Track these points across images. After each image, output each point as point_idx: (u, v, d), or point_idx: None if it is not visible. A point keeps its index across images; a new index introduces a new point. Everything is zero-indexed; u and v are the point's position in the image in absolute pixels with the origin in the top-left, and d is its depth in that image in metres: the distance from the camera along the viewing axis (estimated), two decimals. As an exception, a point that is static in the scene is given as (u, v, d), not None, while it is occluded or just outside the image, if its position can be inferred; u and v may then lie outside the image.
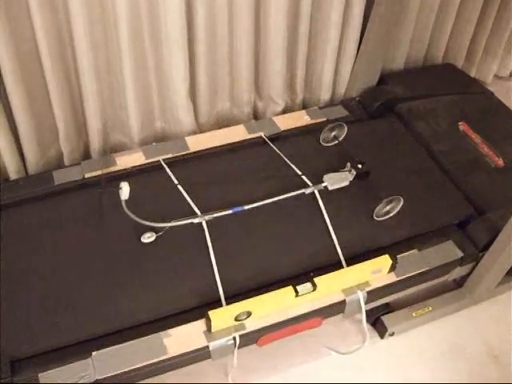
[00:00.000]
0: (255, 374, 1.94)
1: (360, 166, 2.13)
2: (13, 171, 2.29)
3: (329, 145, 2.34)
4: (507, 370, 2.01)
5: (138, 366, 1.63)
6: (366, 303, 1.86)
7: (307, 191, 2.07)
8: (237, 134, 2.38)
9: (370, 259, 1.85)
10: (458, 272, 2.03)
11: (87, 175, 2.16)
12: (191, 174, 2.15)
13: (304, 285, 1.76)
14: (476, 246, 2.00)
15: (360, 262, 1.84)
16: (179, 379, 1.78)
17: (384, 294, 1.92)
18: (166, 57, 2.27)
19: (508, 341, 2.08)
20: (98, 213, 2.02)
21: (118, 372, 1.62)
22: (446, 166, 2.28)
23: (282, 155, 2.23)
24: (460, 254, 1.97)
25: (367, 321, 1.95)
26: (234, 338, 1.72)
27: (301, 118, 2.49)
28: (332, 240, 1.96)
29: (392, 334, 2.04)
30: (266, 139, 2.33)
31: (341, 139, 2.31)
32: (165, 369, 1.69)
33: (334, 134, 2.33)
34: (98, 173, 2.15)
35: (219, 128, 2.52)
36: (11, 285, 1.80)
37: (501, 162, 2.29)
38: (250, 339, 1.76)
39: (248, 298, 1.72)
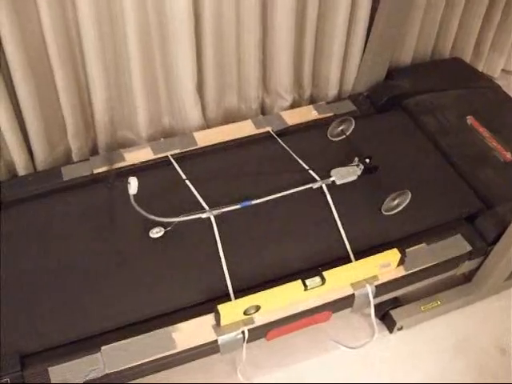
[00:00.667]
0: (264, 369, 1.94)
1: (368, 160, 2.13)
2: (21, 168, 2.30)
3: (336, 139, 2.33)
4: (516, 364, 2.01)
5: (147, 361, 1.64)
6: (374, 297, 1.86)
7: (315, 186, 2.07)
8: (244, 129, 2.38)
9: (378, 253, 1.84)
10: (466, 266, 2.03)
11: (96, 171, 2.16)
12: (199, 169, 2.15)
13: (313, 279, 1.76)
14: (485, 240, 1.99)
15: (368, 256, 1.83)
16: (188, 373, 1.80)
17: (392, 288, 1.92)
18: (174, 52, 2.27)
19: (517, 335, 2.08)
20: (106, 208, 2.02)
21: (128, 366, 1.62)
22: (454, 160, 2.27)
23: (289, 150, 2.23)
24: (468, 247, 1.96)
25: (376, 315, 1.95)
26: (243, 332, 1.72)
27: (308, 113, 2.49)
28: (340, 234, 1.96)
29: (400, 328, 2.04)
30: (274, 134, 2.33)
31: (348, 134, 2.31)
32: (174, 363, 1.70)
33: (341, 128, 2.32)
34: (107, 168, 2.16)
35: (227, 124, 2.51)
36: (21, 280, 1.81)
37: (509, 156, 2.28)
38: (258, 333, 1.77)
39: (257, 292, 1.72)
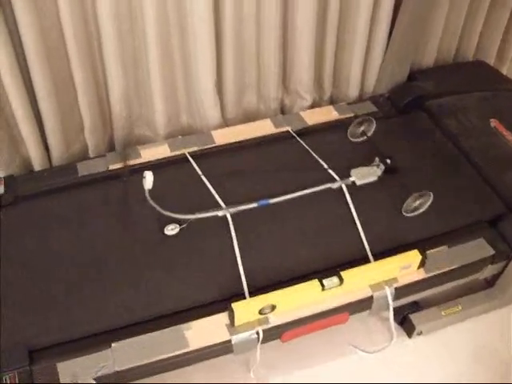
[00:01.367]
0: (278, 371, 1.90)
1: (389, 160, 2.08)
2: (37, 164, 2.30)
3: (357, 140, 2.29)
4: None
5: (158, 359, 1.60)
6: (393, 300, 1.81)
7: (334, 186, 2.03)
8: (263, 128, 2.35)
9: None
10: (489, 270, 1.97)
11: (111, 167, 2.14)
12: (216, 168, 2.13)
13: (330, 278, 1.71)
14: (508, 244, 1.93)
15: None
16: (200, 373, 1.76)
17: (413, 291, 1.87)
18: (193, 51, 2.25)
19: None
20: (121, 204, 2.01)
21: (138, 364, 1.59)
22: (477, 162, 2.21)
23: (309, 149, 2.20)
24: (491, 251, 1.90)
25: (394, 319, 1.89)
26: (258, 333, 1.68)
27: (328, 114, 2.45)
28: (359, 235, 1.91)
29: (420, 333, 1.98)
30: (293, 133, 2.29)
31: (369, 134, 2.26)
32: (185, 362, 1.67)
33: (362, 129, 2.28)
34: (122, 165, 2.14)
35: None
36: (32, 274, 1.79)
37: (533, 159, 2.21)
38: (273, 334, 1.72)
39: (272, 291, 1.68)
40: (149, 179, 1.71)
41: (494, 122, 2.39)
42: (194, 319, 1.68)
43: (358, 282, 1.76)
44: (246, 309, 1.65)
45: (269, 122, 2.38)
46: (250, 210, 1.93)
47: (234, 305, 1.63)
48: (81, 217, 1.97)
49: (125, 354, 1.59)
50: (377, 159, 2.10)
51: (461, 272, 1.89)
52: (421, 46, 2.70)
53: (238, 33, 2.29)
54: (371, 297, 1.78)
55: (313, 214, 1.99)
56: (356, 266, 1.78)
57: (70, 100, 2.24)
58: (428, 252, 1.84)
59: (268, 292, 1.68)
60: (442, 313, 1.98)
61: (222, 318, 1.68)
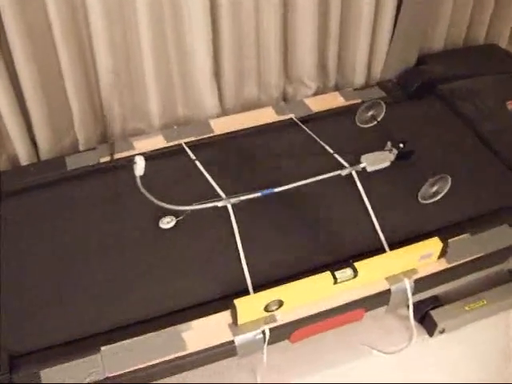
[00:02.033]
0: (287, 375, 1.71)
1: (402, 145, 1.92)
2: (24, 160, 2.16)
3: (366, 126, 2.13)
4: None
5: (152, 363, 1.45)
6: (413, 294, 1.64)
7: (343, 173, 1.87)
8: (265, 116, 2.21)
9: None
10: (514, 260, 1.80)
11: (103, 160, 1.99)
12: (215, 158, 1.99)
13: (343, 270, 1.55)
14: (535, 231, 1.77)
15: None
16: (200, 380, 1.58)
17: (434, 283, 1.70)
18: (188, 35, 2.11)
19: None
20: (113, 198, 1.86)
21: (131, 369, 1.43)
22: (496, 146, 2.08)
23: (314, 136, 2.04)
24: (517, 238, 1.74)
25: (414, 316, 1.72)
26: (264, 332, 1.52)
27: (334, 100, 2.31)
28: (373, 224, 1.77)
29: (442, 331, 1.80)
30: (297, 121, 2.13)
31: (379, 119, 2.10)
32: (183, 367, 1.50)
33: (371, 113, 2.13)
34: (115, 157, 2.01)
35: (245, 113, 2.34)
36: (15, 273, 1.65)
37: (554, 141, 2.06)
38: (281, 334, 1.56)
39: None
40: (140, 165, 1.55)
41: (511, 105, 2.24)
42: (192, 319, 1.52)
43: (373, 273, 1.60)
44: (250, 305, 1.49)
45: (270, 109, 2.24)
46: (253, 200, 1.76)
47: (236, 301, 1.47)
48: (69, 212, 1.84)
49: (116, 358, 1.44)
50: (389, 144, 1.95)
51: (486, 261, 1.74)
52: (429, 29, 2.57)
53: (235, 15, 2.15)
54: (388, 290, 1.62)
55: (321, 203, 1.85)
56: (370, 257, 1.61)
57: (59, 91, 2.10)
58: (449, 240, 1.67)
59: (274, 287, 1.51)
60: (466, 308, 1.81)
61: (224, 316, 1.53)
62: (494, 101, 2.29)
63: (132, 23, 2.01)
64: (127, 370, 1.42)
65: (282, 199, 1.81)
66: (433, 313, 1.79)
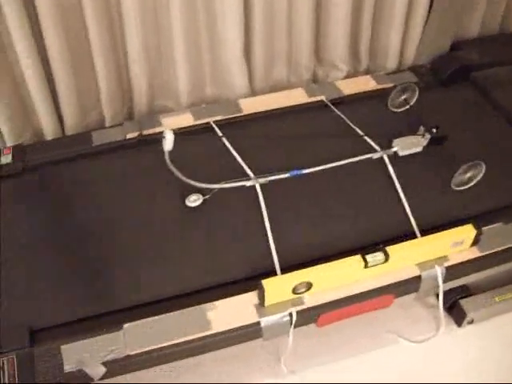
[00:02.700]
0: (312, 360, 1.69)
1: (435, 130, 1.87)
2: (50, 136, 2.15)
3: (398, 110, 2.08)
4: None
5: (175, 342, 1.42)
6: (444, 281, 1.59)
7: (375, 156, 1.84)
8: (295, 97, 2.16)
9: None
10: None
11: (129, 136, 1.95)
12: (244, 137, 1.94)
13: (375, 254, 1.51)
14: None
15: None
16: (223, 361, 1.56)
17: (465, 271, 1.66)
18: (219, 13, 2.07)
19: None
20: (139, 175, 1.84)
21: (152, 348, 1.40)
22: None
23: (345, 119, 2.00)
24: (552, 229, 1.69)
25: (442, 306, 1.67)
26: (291, 314, 1.48)
27: (366, 83, 2.26)
28: (404, 210, 1.72)
29: (471, 322, 1.76)
30: (328, 103, 2.08)
31: (412, 103, 2.05)
32: (207, 347, 1.47)
33: (404, 97, 2.09)
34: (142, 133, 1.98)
35: (275, 94, 2.29)
36: (37, 249, 1.63)
37: None
38: (308, 317, 1.53)
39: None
40: (169, 139, 1.53)
41: (544, 93, 2.18)
42: (218, 298, 1.49)
43: (404, 259, 1.56)
44: (279, 286, 1.46)
45: (301, 90, 2.20)
46: (282, 180, 1.73)
47: (264, 281, 1.44)
48: (94, 188, 1.81)
49: (138, 336, 1.42)
50: (422, 128, 1.90)
51: (517, 252, 1.67)
52: (464, 15, 2.50)
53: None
54: (419, 277, 1.58)
55: (351, 186, 1.81)
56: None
57: (87, 66, 2.07)
58: (483, 228, 1.62)
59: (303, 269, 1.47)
60: (496, 299, 1.76)
61: (251, 297, 1.50)
62: (530, 89, 2.22)
63: (163, 1, 1.96)
64: (149, 349, 1.39)
65: (311, 181, 1.78)
66: (462, 302, 1.75)
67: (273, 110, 2.08)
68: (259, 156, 1.85)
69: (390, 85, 2.23)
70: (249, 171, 1.76)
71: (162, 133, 1.67)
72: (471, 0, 2.46)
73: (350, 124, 1.98)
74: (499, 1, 2.57)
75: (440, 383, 1.66)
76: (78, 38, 1.97)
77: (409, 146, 1.87)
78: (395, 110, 2.09)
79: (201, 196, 1.72)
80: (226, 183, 1.69)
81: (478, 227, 1.59)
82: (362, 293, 1.54)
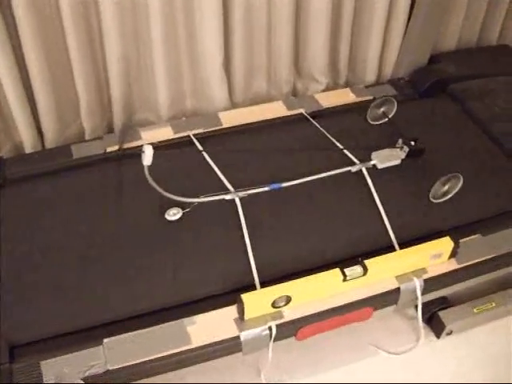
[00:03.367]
0: (292, 373, 1.70)
1: (413, 142, 1.89)
2: (30, 149, 2.13)
3: (377, 123, 2.10)
4: None
5: (155, 357, 1.42)
6: (422, 293, 1.61)
7: (354, 169, 1.85)
8: (275, 110, 2.18)
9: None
10: (526, 263, 1.77)
11: (109, 149, 1.95)
12: (224, 150, 1.94)
13: (353, 268, 1.52)
14: (548, 233, 1.74)
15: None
16: (203, 375, 1.56)
17: (443, 283, 1.67)
18: (199, 26, 2.07)
19: None
20: (118, 188, 1.82)
21: (133, 362, 1.40)
22: (507, 147, 2.03)
23: (324, 132, 2.01)
24: (529, 241, 1.71)
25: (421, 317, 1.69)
26: (270, 328, 1.49)
27: (345, 96, 2.28)
28: (383, 223, 1.73)
29: (450, 333, 1.78)
30: (307, 116, 2.10)
31: (390, 116, 2.07)
32: (187, 362, 1.47)
33: (382, 110, 2.10)
34: (122, 147, 1.97)
35: (255, 107, 2.30)
36: (17, 262, 1.62)
37: None
38: (288, 330, 1.53)
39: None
40: (148, 154, 1.52)
41: (523, 106, 2.21)
42: (198, 313, 1.50)
43: (383, 271, 1.58)
44: (258, 300, 1.46)
45: (281, 103, 2.21)
46: (261, 193, 1.74)
47: (244, 296, 1.44)
48: (73, 202, 1.80)
49: (119, 350, 1.41)
50: (400, 141, 1.91)
51: (497, 262, 1.71)
52: (442, 29, 2.53)
53: (247, 7, 2.11)
54: (398, 289, 1.59)
55: (330, 200, 1.81)
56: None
57: (66, 78, 2.07)
58: (460, 241, 1.64)
59: (282, 282, 1.48)
60: (474, 310, 1.79)
61: (230, 311, 1.50)
62: (506, 101, 2.26)
63: (143, 13, 1.97)
64: (129, 363, 1.39)
65: (290, 194, 1.78)
66: (441, 314, 1.77)
67: (252, 123, 2.09)
68: (239, 169, 1.85)
69: (369, 97, 2.25)
70: (228, 185, 1.76)
71: (141, 146, 1.67)
72: (449, 14, 2.49)
73: (329, 137, 1.99)
74: (476, 16, 2.61)
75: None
76: (57, 50, 1.97)
77: (387, 158, 1.89)
78: (374, 122, 2.11)
79: (180, 210, 1.72)
80: (206, 197, 1.69)
81: (455, 240, 1.61)
82: (341, 306, 1.55)
